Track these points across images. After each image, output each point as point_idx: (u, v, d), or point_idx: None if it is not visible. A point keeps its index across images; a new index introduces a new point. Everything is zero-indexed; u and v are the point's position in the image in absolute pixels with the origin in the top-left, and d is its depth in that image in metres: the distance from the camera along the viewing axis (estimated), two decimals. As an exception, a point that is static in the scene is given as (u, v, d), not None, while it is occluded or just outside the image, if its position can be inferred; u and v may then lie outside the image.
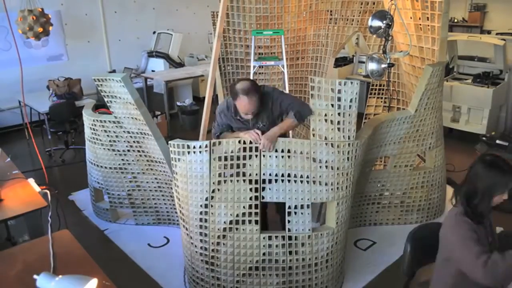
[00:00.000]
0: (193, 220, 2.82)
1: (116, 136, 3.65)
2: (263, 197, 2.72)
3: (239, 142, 2.69)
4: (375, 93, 4.81)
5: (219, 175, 2.71)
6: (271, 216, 3.30)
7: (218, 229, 2.77)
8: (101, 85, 3.36)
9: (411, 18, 3.81)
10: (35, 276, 1.70)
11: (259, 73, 4.83)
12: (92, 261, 2.17)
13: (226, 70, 4.80)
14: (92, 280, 1.70)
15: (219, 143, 2.70)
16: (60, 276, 1.68)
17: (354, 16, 4.53)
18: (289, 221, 2.74)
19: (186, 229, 2.92)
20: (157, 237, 3.83)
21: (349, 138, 2.67)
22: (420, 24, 3.74)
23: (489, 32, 8.38)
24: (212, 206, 2.74)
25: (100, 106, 5.19)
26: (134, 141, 3.59)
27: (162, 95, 6.70)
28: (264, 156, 2.68)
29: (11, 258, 2.20)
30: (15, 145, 6.28)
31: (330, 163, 2.67)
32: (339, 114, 2.61)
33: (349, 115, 2.62)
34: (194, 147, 2.71)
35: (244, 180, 2.71)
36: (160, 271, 3.37)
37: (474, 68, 6.16)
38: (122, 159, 3.75)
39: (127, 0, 8.05)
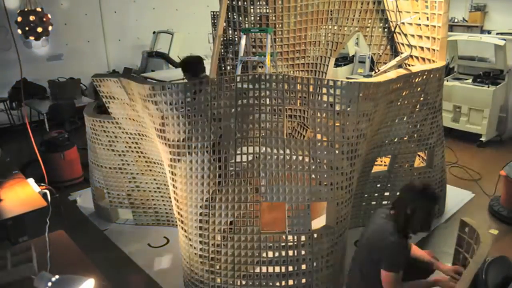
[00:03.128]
0: (192, 221, 2.81)
1: (115, 137, 3.65)
2: (262, 197, 2.72)
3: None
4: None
5: (219, 175, 2.71)
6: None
7: (218, 230, 2.76)
8: (100, 85, 3.36)
9: (411, 18, 3.80)
10: (32, 276, 1.69)
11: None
12: (89, 261, 2.17)
13: (226, 70, 4.80)
14: (89, 280, 1.70)
15: (219, 143, 2.70)
16: (57, 276, 1.68)
17: (354, 16, 4.53)
18: (289, 221, 2.74)
19: (185, 231, 2.91)
20: (157, 237, 3.83)
21: (348, 138, 2.66)
22: (420, 24, 3.74)
23: (489, 32, 8.37)
24: (212, 207, 2.74)
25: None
26: (132, 142, 3.60)
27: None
28: (263, 156, 2.68)
29: (8, 258, 2.20)
30: (14, 145, 6.27)
31: (330, 163, 2.67)
32: (338, 114, 2.61)
33: (349, 115, 2.62)
34: (195, 147, 2.70)
35: (244, 181, 2.71)
36: (160, 271, 3.36)
37: (474, 68, 6.15)
38: (121, 160, 3.75)
39: (127, 0, 8.05)
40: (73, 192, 4.75)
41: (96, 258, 3.38)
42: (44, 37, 6.19)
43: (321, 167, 2.67)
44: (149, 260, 3.51)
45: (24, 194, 3.08)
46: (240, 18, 4.59)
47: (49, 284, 1.64)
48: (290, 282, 2.80)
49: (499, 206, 4.03)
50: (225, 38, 4.68)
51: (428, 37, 3.69)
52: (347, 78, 6.72)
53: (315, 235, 2.76)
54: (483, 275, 1.91)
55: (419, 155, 4.09)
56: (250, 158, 2.70)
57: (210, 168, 2.69)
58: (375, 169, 3.73)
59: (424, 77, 3.41)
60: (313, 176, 2.67)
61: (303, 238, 2.75)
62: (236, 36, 4.67)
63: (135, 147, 3.63)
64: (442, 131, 3.90)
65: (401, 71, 3.22)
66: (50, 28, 6.11)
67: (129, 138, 3.59)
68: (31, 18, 5.76)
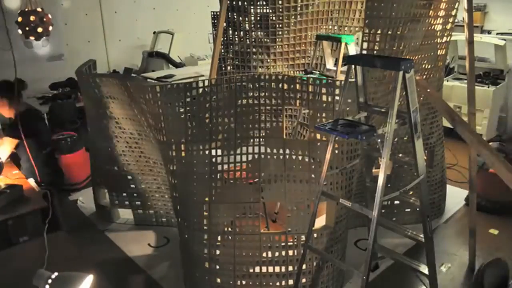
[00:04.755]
0: (192, 221, 2.82)
1: (116, 136, 3.65)
2: (262, 197, 2.72)
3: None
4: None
5: (219, 175, 2.71)
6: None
7: (218, 230, 2.76)
8: (100, 85, 3.37)
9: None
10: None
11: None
12: (88, 261, 2.17)
13: (226, 70, 4.80)
14: (88, 277, 1.71)
15: (219, 143, 2.70)
16: (56, 273, 1.68)
17: (354, 16, 4.52)
18: (289, 221, 2.74)
19: (185, 231, 2.91)
20: (157, 237, 3.83)
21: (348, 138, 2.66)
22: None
23: (489, 32, 8.36)
24: (212, 206, 2.74)
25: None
26: (133, 142, 3.60)
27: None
28: (263, 156, 2.68)
29: (8, 258, 2.21)
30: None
31: (330, 163, 2.67)
32: (338, 114, 2.61)
33: (348, 115, 2.62)
34: (195, 147, 2.71)
35: (244, 181, 2.71)
36: (160, 271, 3.37)
37: (474, 68, 6.14)
38: (122, 159, 3.76)
39: (127, 0, 8.05)
40: (73, 192, 4.76)
41: (96, 258, 3.40)
42: (44, 37, 6.19)
43: (321, 167, 2.67)
44: (149, 260, 3.51)
45: (24, 194, 3.08)
46: (240, 18, 4.59)
47: (49, 281, 1.64)
48: (290, 282, 2.81)
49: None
50: (225, 38, 4.68)
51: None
52: (347, 78, 6.69)
53: (315, 235, 2.76)
54: (480, 277, 1.92)
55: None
56: (250, 158, 2.70)
57: (210, 168, 2.70)
58: (375, 169, 3.72)
59: (424, 77, 3.41)
60: (313, 176, 2.68)
61: (303, 238, 2.75)
62: (236, 36, 4.68)
63: (135, 147, 3.63)
64: (442, 131, 3.90)
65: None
66: (50, 28, 6.11)
67: (130, 138, 3.59)
68: (32, 18, 5.76)
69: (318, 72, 4.17)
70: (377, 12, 2.67)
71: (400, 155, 3.57)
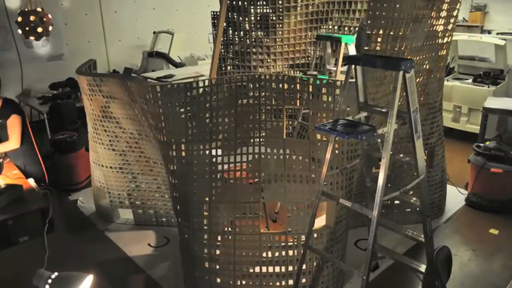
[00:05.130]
0: (192, 221, 2.82)
1: (116, 136, 3.65)
2: (262, 197, 2.72)
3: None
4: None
5: (220, 175, 2.71)
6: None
7: (218, 230, 2.76)
8: (100, 84, 3.37)
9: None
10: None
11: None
12: (88, 261, 2.18)
13: (226, 70, 4.80)
14: (88, 277, 1.71)
15: (219, 143, 2.70)
16: (56, 273, 1.68)
17: (354, 16, 4.52)
18: (289, 221, 2.74)
19: (185, 231, 2.91)
20: (157, 237, 3.83)
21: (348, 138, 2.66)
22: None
23: (489, 32, 8.38)
24: (212, 206, 2.74)
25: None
26: (133, 142, 3.60)
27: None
28: (263, 156, 2.68)
29: (8, 258, 2.21)
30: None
31: (330, 163, 2.67)
32: (338, 114, 2.61)
33: (348, 115, 2.62)
34: (195, 147, 2.71)
35: (244, 181, 2.71)
36: (160, 271, 3.36)
37: (474, 68, 6.16)
38: (122, 159, 3.76)
39: (127, 0, 8.05)
40: (73, 192, 4.76)
41: (96, 258, 3.40)
42: (44, 37, 6.20)
43: (321, 167, 2.67)
44: (149, 260, 3.51)
45: (24, 194, 3.08)
46: (240, 18, 4.59)
47: (49, 281, 1.65)
48: (290, 282, 2.81)
49: (472, 196, 4.21)
50: (225, 38, 4.68)
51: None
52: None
53: (315, 235, 2.76)
54: (435, 257, 2.50)
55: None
56: (250, 158, 2.70)
57: (211, 168, 2.70)
58: (375, 169, 3.72)
59: (425, 77, 3.41)
60: (313, 176, 2.68)
61: (303, 238, 2.75)
62: (236, 36, 4.68)
63: (135, 147, 3.64)
64: (443, 131, 3.90)
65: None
66: (50, 28, 6.12)
67: (130, 138, 3.59)
68: (32, 18, 5.76)
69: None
70: (380, 13, 2.67)
71: (401, 155, 3.57)
